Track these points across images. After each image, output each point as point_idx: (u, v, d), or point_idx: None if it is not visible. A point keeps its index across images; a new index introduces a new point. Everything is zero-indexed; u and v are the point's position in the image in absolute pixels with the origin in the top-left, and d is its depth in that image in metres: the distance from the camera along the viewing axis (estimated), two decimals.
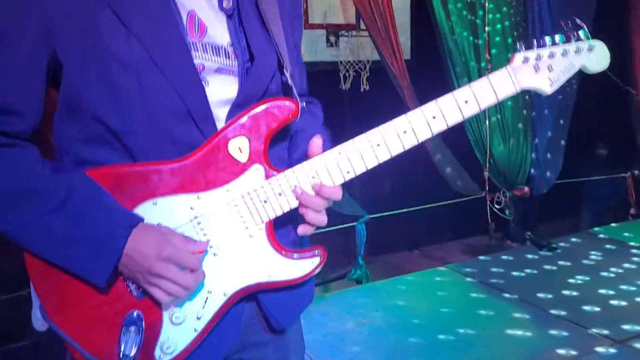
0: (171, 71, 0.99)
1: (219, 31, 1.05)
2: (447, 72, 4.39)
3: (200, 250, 1.00)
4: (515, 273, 4.11)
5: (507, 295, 3.72)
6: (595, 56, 1.18)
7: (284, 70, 1.11)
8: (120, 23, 0.96)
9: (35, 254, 0.98)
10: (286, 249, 1.08)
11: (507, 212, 4.65)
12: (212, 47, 1.04)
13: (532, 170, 4.73)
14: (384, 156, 1.08)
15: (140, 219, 0.99)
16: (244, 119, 1.04)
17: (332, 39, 4.46)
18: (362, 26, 4.21)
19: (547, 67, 1.16)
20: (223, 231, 1.04)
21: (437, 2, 4.29)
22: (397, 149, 1.08)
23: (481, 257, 4.46)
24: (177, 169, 1.02)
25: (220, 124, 1.06)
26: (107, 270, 0.96)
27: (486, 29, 4.48)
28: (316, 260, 1.08)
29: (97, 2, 0.96)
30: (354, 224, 4.02)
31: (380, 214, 4.26)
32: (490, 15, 4.50)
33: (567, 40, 1.17)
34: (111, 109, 0.99)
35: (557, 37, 1.17)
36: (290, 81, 1.11)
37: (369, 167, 1.08)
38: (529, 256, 4.43)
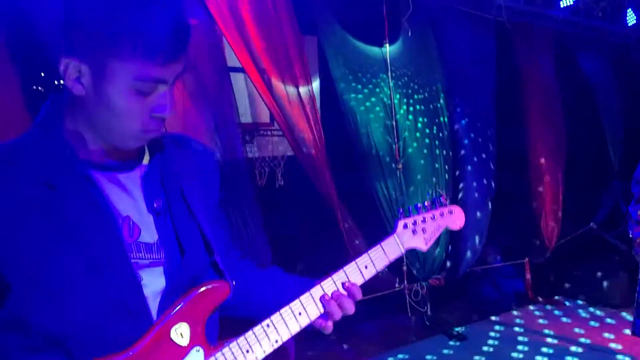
0: (112, 275, 1.11)
1: (149, 231, 1.19)
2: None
3: None
4: None
5: None
6: (454, 217, 1.52)
7: (213, 254, 1.29)
8: (63, 234, 1.07)
9: None
10: None
11: (422, 303, 4.78)
12: (144, 246, 1.18)
13: (448, 261, 4.98)
14: (305, 321, 1.30)
15: None
16: (182, 306, 1.19)
17: (247, 137, 4.54)
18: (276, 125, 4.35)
19: (421, 229, 1.47)
20: None
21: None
22: (314, 314, 1.31)
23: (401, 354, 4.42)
24: None
25: (153, 313, 1.17)
26: None
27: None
28: None
29: (41, 220, 1.07)
30: None
31: None
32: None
33: (434, 206, 1.50)
34: (56, 319, 1.07)
35: (428, 203, 1.50)
36: (221, 265, 1.29)
37: (293, 334, 1.29)
38: (446, 351, 4.47)
